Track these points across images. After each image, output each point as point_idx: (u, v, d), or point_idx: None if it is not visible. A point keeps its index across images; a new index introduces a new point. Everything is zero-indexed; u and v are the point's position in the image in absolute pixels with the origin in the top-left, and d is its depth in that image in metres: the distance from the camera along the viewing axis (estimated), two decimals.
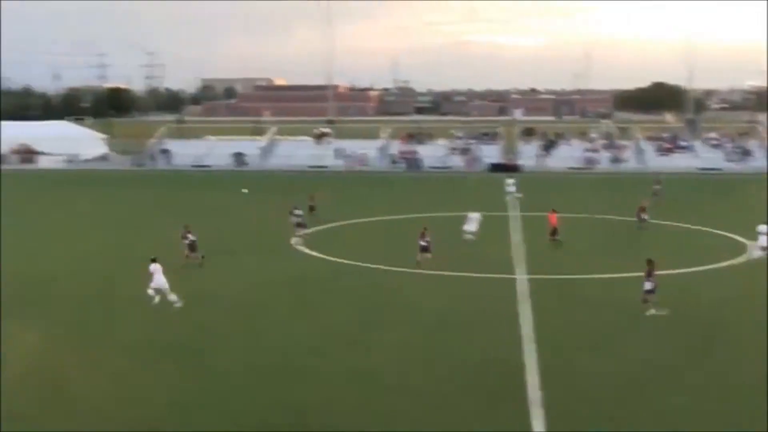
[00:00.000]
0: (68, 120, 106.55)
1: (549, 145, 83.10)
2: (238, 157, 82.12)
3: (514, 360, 19.32)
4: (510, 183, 55.12)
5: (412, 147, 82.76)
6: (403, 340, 21.26)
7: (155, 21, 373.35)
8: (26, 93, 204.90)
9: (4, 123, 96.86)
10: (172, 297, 24.59)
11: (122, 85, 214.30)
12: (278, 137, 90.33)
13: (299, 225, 36.97)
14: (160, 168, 79.82)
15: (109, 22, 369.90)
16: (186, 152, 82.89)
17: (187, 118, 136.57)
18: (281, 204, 47.39)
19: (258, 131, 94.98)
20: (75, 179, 69.38)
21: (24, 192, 59.08)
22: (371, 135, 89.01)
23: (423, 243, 30.38)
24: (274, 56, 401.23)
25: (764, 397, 16.77)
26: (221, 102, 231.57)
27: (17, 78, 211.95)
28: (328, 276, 29.22)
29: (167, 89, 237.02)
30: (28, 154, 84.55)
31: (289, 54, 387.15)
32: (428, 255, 30.10)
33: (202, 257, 30.52)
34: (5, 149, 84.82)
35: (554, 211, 35.96)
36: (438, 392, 17.46)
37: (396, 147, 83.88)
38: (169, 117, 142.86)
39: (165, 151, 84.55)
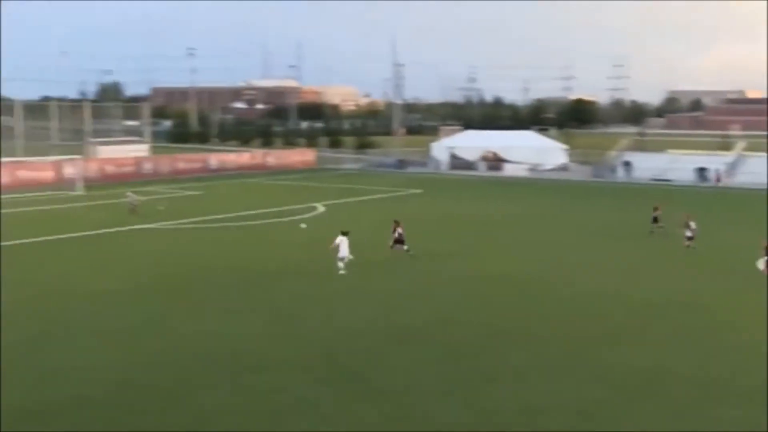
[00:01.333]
0: (533, 130, 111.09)
1: None
2: (702, 172, 78.98)
3: None
4: None
5: None
6: None
7: (623, 32, 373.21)
8: (497, 104, 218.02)
9: (475, 132, 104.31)
10: (340, 264, 30.20)
11: (587, 97, 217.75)
12: (747, 153, 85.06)
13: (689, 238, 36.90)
14: (619, 180, 79.69)
15: (577, 35, 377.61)
16: (646, 165, 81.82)
17: (648, 130, 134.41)
18: (747, 225, 44.96)
19: (725, 146, 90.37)
20: (537, 187, 72.03)
21: (494, 194, 63.01)
22: None
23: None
24: (750, 67, 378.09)
25: None
26: (686, 115, 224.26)
27: (491, 90, 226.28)
28: None
29: (632, 101, 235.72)
30: (495, 161, 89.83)
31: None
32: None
33: (407, 250, 33.97)
34: (476, 156, 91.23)
35: None
36: None
37: None
38: (631, 129, 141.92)
39: (626, 164, 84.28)
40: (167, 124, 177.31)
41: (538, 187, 72.30)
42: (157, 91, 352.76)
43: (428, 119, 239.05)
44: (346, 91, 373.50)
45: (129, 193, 51.86)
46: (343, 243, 30.63)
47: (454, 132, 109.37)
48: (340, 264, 30.29)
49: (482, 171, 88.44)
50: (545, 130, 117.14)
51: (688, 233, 37.22)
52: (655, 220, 42.40)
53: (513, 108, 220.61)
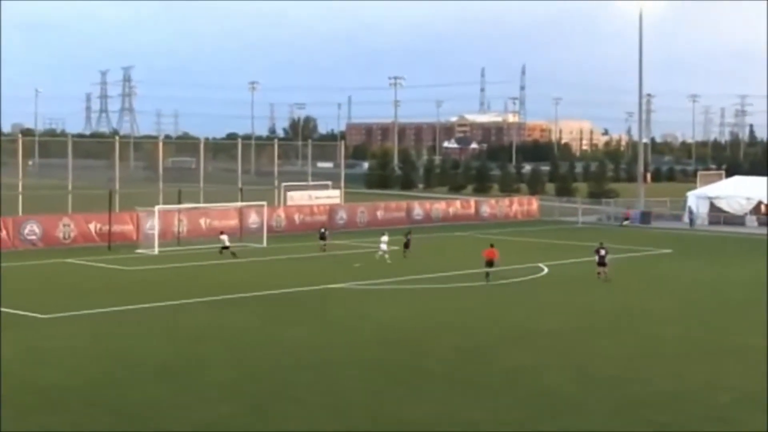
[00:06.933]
0: None
1: None
2: None
3: None
4: None
5: None
6: None
7: None
8: None
9: (743, 178, 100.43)
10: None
11: None
12: None
13: None
14: None
15: None
16: None
17: None
18: None
19: None
20: None
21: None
22: None
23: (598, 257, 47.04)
24: None
25: None
26: None
27: (764, 126, 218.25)
28: None
29: None
30: (764, 215, 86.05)
31: None
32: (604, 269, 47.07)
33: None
34: (744, 209, 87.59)
35: (492, 246, 49.16)
36: None
37: None
38: None
39: None
40: (365, 165, 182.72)
41: None
42: (354, 128, 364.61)
43: (682, 162, 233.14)
44: (579, 127, 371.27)
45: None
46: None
47: (715, 178, 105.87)
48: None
49: (752, 227, 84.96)
50: None
51: None
52: None
53: None
